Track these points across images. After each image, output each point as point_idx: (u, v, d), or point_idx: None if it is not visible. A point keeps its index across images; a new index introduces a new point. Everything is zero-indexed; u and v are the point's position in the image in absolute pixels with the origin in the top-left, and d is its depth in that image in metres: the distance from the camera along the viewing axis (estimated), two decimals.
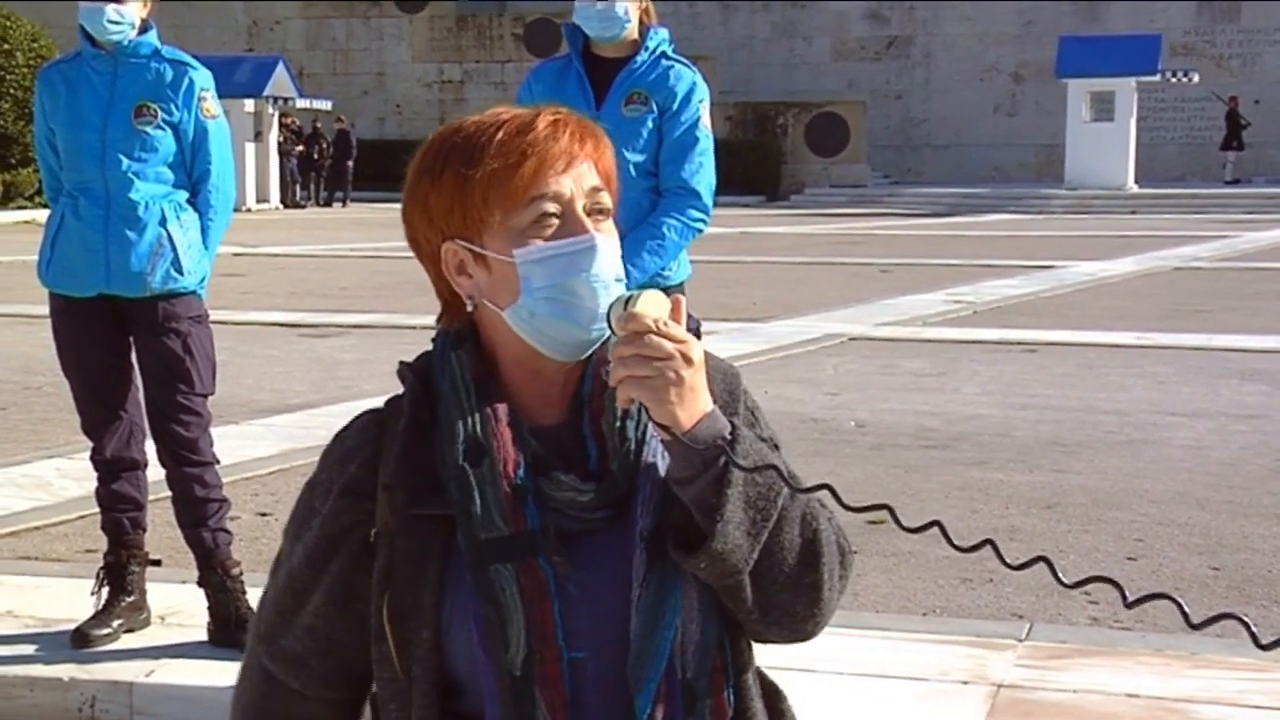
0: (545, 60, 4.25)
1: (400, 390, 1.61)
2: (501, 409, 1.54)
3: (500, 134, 1.53)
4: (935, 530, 1.41)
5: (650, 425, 1.50)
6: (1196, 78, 33.61)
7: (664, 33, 4.08)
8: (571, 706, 1.50)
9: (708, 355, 1.54)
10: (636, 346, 1.43)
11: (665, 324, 1.44)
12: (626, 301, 1.46)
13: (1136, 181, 32.65)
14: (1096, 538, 5.74)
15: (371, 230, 25.40)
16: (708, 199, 4.05)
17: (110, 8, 4.16)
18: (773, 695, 1.63)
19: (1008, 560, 1.39)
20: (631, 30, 4.01)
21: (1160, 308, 13.59)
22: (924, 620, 4.67)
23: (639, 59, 4.01)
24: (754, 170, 35.31)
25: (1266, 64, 37.72)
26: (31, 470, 6.71)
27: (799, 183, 36.66)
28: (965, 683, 4.02)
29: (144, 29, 4.26)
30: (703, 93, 4.06)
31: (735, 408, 1.58)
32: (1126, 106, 32.43)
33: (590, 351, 1.55)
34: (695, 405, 1.45)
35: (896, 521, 1.43)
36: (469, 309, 1.57)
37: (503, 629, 1.49)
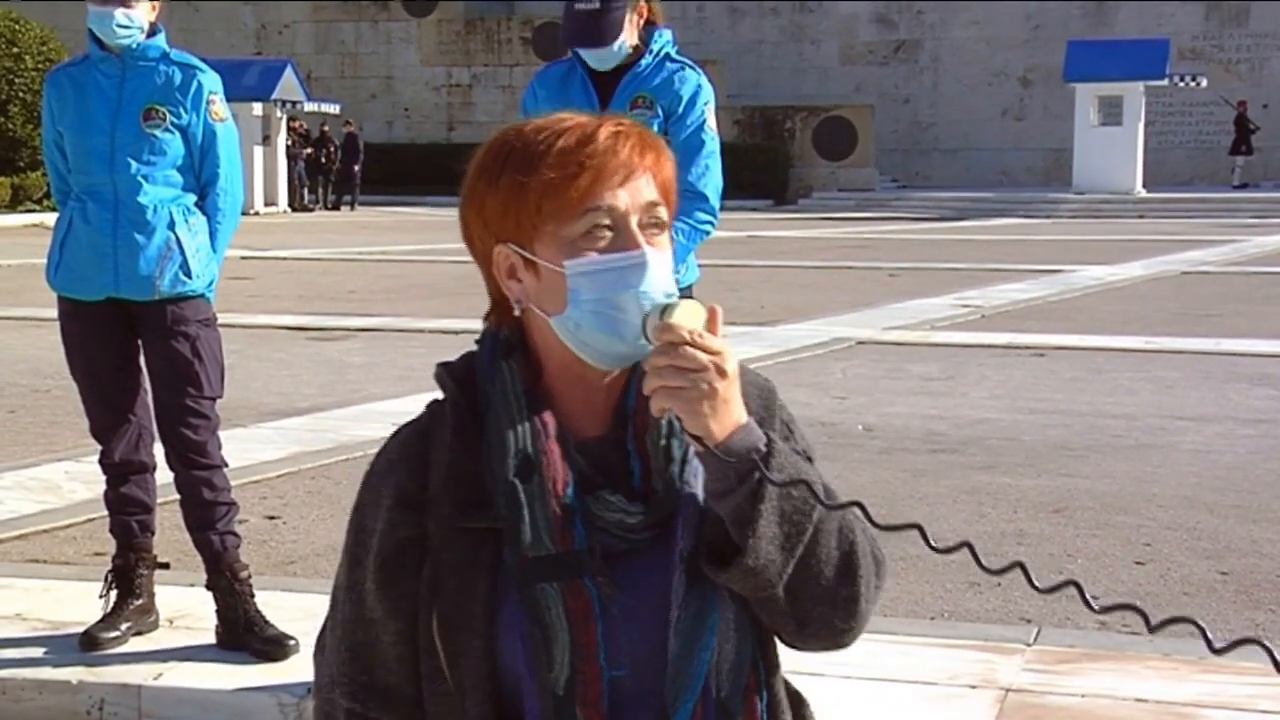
0: (549, 64, 4.21)
1: (436, 395, 1.60)
2: (550, 423, 1.53)
3: (560, 143, 1.51)
4: (964, 540, 1.41)
5: (688, 439, 1.49)
6: (1205, 82, 33.56)
7: (667, 34, 4.04)
8: None
9: (742, 368, 1.53)
10: (671, 357, 1.42)
11: (701, 335, 1.43)
12: (663, 311, 1.45)
13: (1144, 186, 32.61)
14: (1105, 542, 5.73)
15: (379, 234, 25.44)
16: (715, 202, 4.04)
17: (119, 11, 4.16)
18: (797, 703, 1.63)
19: (1036, 583, 1.37)
20: (631, 41, 3.96)
21: (1168, 312, 13.57)
22: (932, 624, 4.67)
23: (643, 62, 3.98)
24: (762, 174, 35.30)
25: (1275, 68, 37.66)
26: (40, 473, 6.72)
27: (807, 186, 36.65)
28: (973, 687, 4.01)
29: (152, 32, 4.27)
30: (708, 95, 4.03)
31: (771, 421, 1.57)
32: (1134, 111, 32.40)
33: (634, 361, 1.54)
34: (729, 417, 1.44)
35: (927, 542, 1.41)
36: (515, 313, 1.56)
37: (548, 648, 1.48)
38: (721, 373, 1.43)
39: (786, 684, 1.62)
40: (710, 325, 1.45)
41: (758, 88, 39.65)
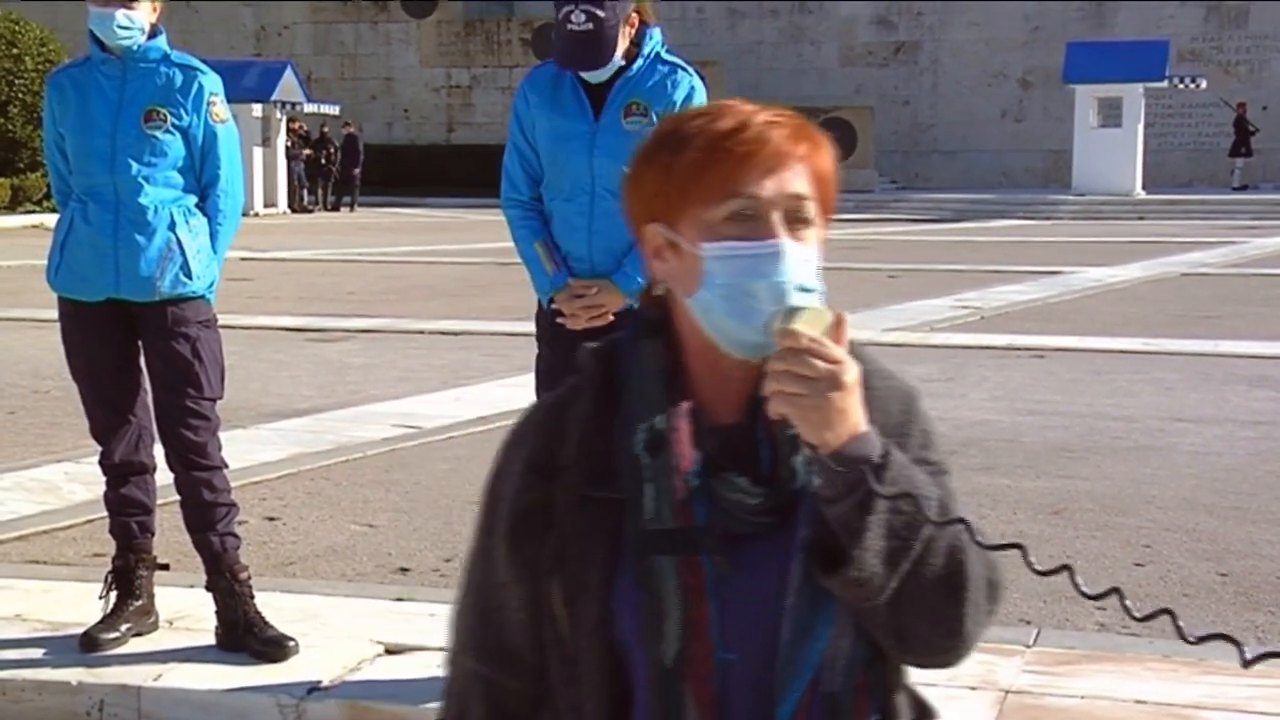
0: (538, 66, 4.07)
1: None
2: (684, 403, 1.55)
3: (712, 127, 1.53)
4: (1065, 564, 1.40)
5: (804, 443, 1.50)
6: (1204, 84, 33.56)
7: (658, 34, 3.94)
8: (717, 705, 1.51)
9: (886, 374, 1.56)
10: (789, 362, 1.43)
11: (821, 343, 1.44)
12: (788, 314, 1.46)
13: (1144, 187, 32.61)
14: (1104, 544, 5.73)
15: (379, 235, 25.44)
16: None
17: (120, 13, 4.16)
18: (924, 715, 1.63)
19: (1135, 612, 1.38)
20: (622, 50, 3.84)
21: (1168, 314, 13.58)
22: None
23: (635, 66, 3.87)
24: None
25: (1274, 70, 37.67)
26: (40, 474, 6.72)
27: None
28: (973, 688, 4.02)
29: (153, 34, 4.27)
30: (701, 96, 3.94)
31: (909, 429, 1.56)
32: (1134, 112, 32.40)
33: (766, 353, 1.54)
34: (843, 427, 1.44)
35: (1028, 564, 1.40)
36: (657, 292, 1.59)
37: (658, 620, 1.50)
38: (837, 384, 1.43)
39: (913, 693, 1.61)
40: (836, 333, 1.46)
41: (757, 89, 39.62)
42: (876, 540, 1.44)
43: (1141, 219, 29.54)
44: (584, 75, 3.87)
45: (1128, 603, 1.38)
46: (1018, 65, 38.89)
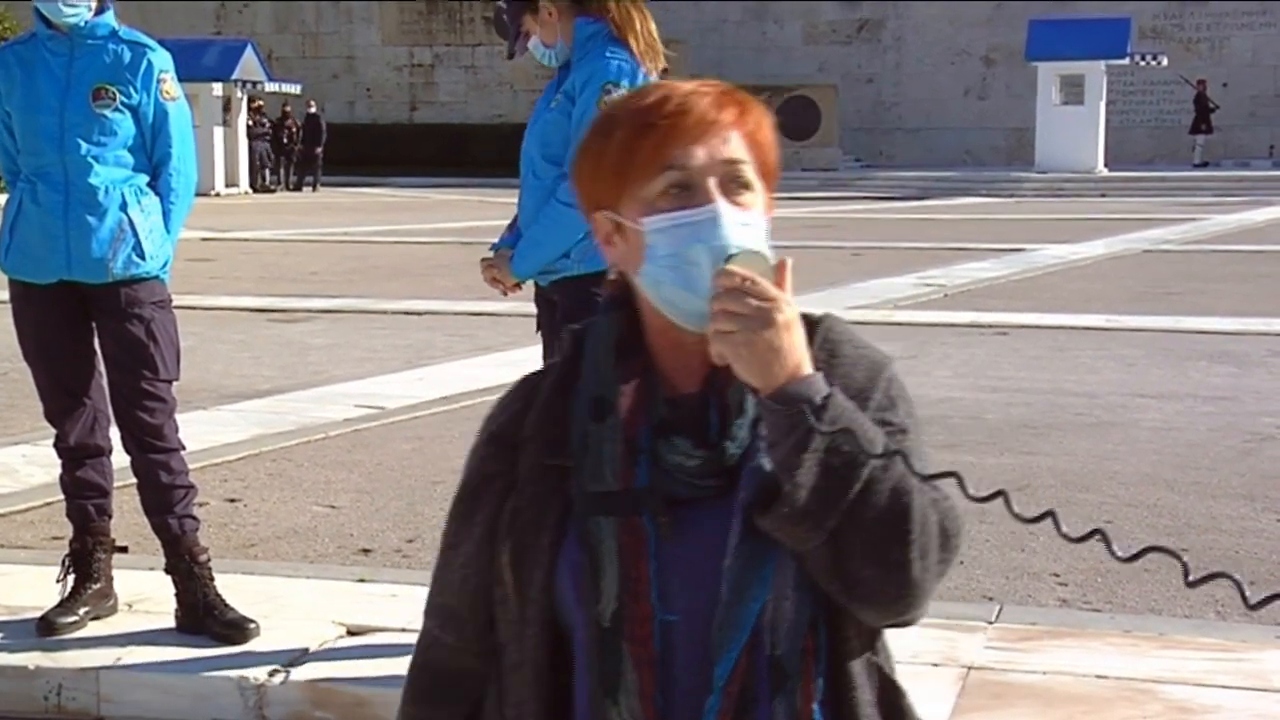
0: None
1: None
2: (637, 372, 1.57)
3: (637, 104, 1.55)
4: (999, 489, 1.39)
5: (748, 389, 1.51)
6: (1165, 61, 33.71)
7: (593, 27, 3.89)
8: (659, 666, 1.51)
9: (860, 344, 1.59)
10: (722, 300, 1.45)
11: (754, 281, 1.45)
12: (727, 258, 1.47)
13: (1106, 165, 32.76)
14: (1066, 519, 5.75)
15: (341, 214, 25.30)
16: None
17: None
18: (891, 691, 1.61)
19: (1066, 531, 1.41)
20: (550, 41, 3.94)
21: (1130, 290, 13.65)
22: None
23: (573, 59, 3.92)
24: None
25: (1234, 47, 37.87)
26: None
27: None
28: (936, 665, 4.03)
29: (100, 9, 4.20)
30: (607, 76, 3.84)
31: (870, 393, 1.56)
32: (1096, 90, 32.52)
33: None
34: (780, 366, 1.45)
35: (964, 491, 1.42)
36: (611, 276, 1.61)
37: (595, 580, 1.52)
38: (769, 321, 1.44)
39: (880, 670, 1.60)
40: (778, 276, 1.47)
41: (721, 67, 39.56)
42: (810, 476, 1.44)
43: (1104, 196, 29.68)
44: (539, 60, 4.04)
45: (1065, 528, 1.38)
46: (981, 43, 38.96)
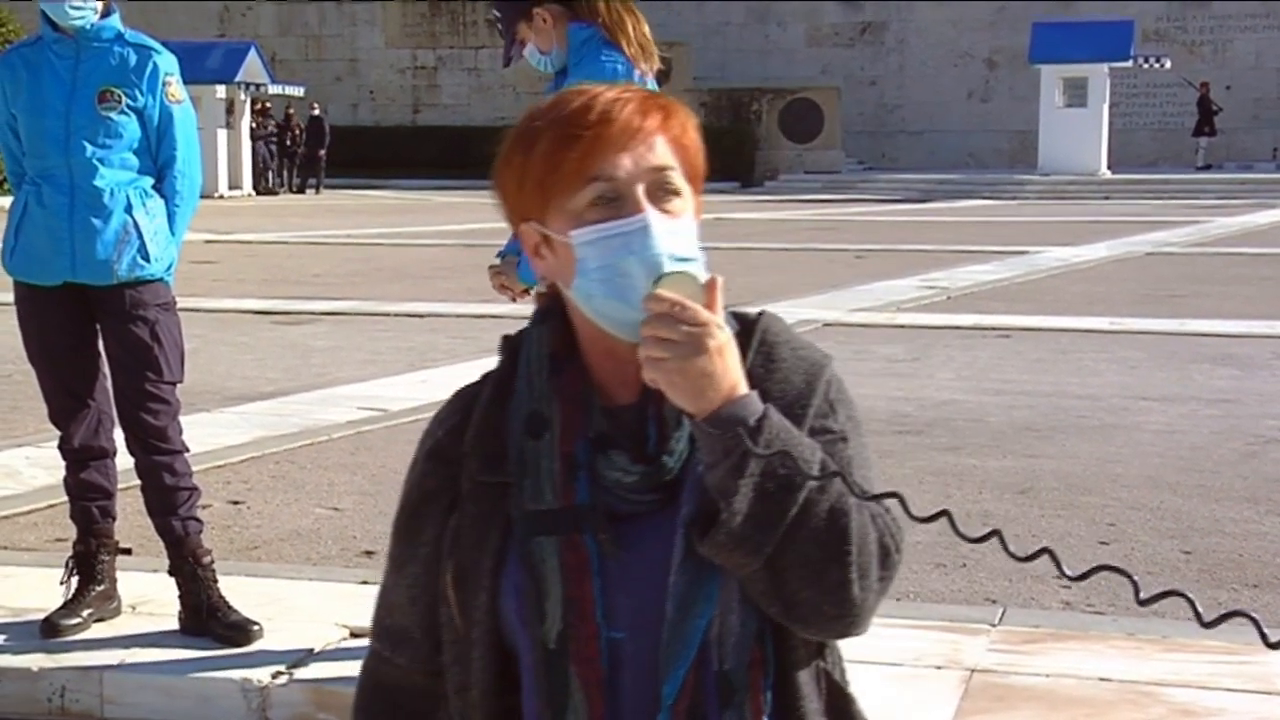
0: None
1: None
2: (572, 385, 1.54)
3: (557, 115, 1.51)
4: (943, 509, 1.38)
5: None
6: (1169, 64, 33.70)
7: (585, 31, 3.90)
8: (606, 686, 1.49)
9: (797, 344, 1.54)
10: (653, 327, 1.42)
11: (685, 306, 1.42)
12: (657, 280, 1.44)
13: (1109, 167, 32.75)
14: (1069, 522, 5.75)
15: (345, 217, 25.32)
16: None
17: None
18: (840, 698, 1.59)
19: (1013, 550, 1.35)
20: (546, 47, 3.94)
21: (1133, 293, 13.64)
22: (898, 605, 4.67)
23: (569, 64, 3.93)
24: (728, 156, 35.21)
25: (1237, 50, 37.86)
26: (0, 459, 6.66)
27: (773, 169, 36.65)
28: (939, 667, 4.03)
29: (107, 12, 4.21)
30: (603, 79, 3.81)
31: (809, 399, 1.53)
32: (1099, 92, 32.52)
33: None
34: (714, 392, 1.42)
35: (907, 512, 1.38)
36: (540, 289, 1.59)
37: (539, 601, 1.49)
38: (700, 348, 1.41)
39: (829, 677, 1.58)
40: (708, 297, 1.44)
41: (724, 70, 39.61)
42: (745, 503, 1.42)
43: (1107, 199, 29.67)
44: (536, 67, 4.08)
45: (1011, 548, 1.36)
46: (984, 46, 38.96)
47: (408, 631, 1.63)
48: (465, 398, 1.62)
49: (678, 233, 1.49)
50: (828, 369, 1.57)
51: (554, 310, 1.57)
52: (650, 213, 1.47)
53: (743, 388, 1.44)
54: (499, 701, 1.55)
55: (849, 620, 1.48)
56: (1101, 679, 3.98)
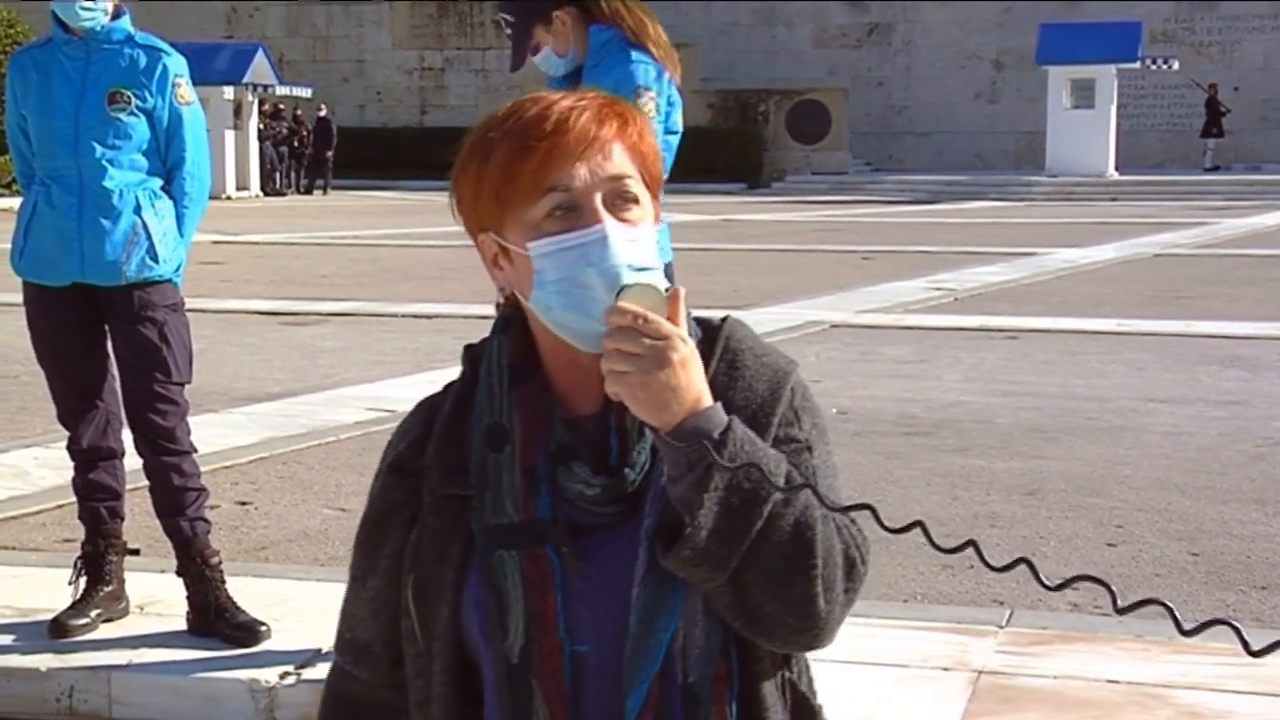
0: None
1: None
2: (533, 396, 1.52)
3: (512, 125, 1.49)
4: (916, 520, 1.37)
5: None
6: (1176, 65, 33.64)
7: (607, 34, 3.90)
8: (570, 700, 1.48)
9: (762, 351, 1.53)
10: (615, 340, 1.40)
11: (646, 319, 1.40)
12: (619, 292, 1.42)
13: (1117, 168, 32.71)
14: (1077, 524, 5.75)
15: (352, 218, 25.34)
16: None
17: None
18: (805, 709, 1.57)
19: (990, 560, 1.33)
20: (561, 50, 3.91)
21: (1140, 294, 13.63)
22: (905, 607, 4.67)
23: (585, 65, 3.92)
24: (735, 157, 35.28)
25: (1245, 51, 37.80)
26: (9, 459, 6.68)
27: (780, 170, 36.64)
28: (946, 669, 4.02)
29: (117, 14, 4.22)
30: (639, 82, 3.84)
31: (773, 408, 1.51)
32: (1107, 94, 32.47)
33: None
34: (677, 405, 1.40)
35: (880, 523, 1.37)
36: (499, 299, 1.57)
37: (502, 615, 1.48)
38: (663, 361, 1.38)
39: (794, 687, 1.56)
40: (670, 310, 1.42)
41: (731, 71, 39.60)
42: (709, 518, 1.40)
43: (1114, 200, 29.64)
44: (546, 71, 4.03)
45: (987, 558, 1.34)
46: (991, 47, 38.93)
47: (369, 645, 1.62)
48: (427, 409, 1.61)
49: (637, 240, 1.47)
50: (792, 376, 1.56)
51: (515, 320, 1.56)
52: (608, 223, 1.45)
53: (707, 400, 1.42)
54: (461, 715, 1.54)
55: (814, 633, 1.47)
56: (1109, 681, 3.97)
